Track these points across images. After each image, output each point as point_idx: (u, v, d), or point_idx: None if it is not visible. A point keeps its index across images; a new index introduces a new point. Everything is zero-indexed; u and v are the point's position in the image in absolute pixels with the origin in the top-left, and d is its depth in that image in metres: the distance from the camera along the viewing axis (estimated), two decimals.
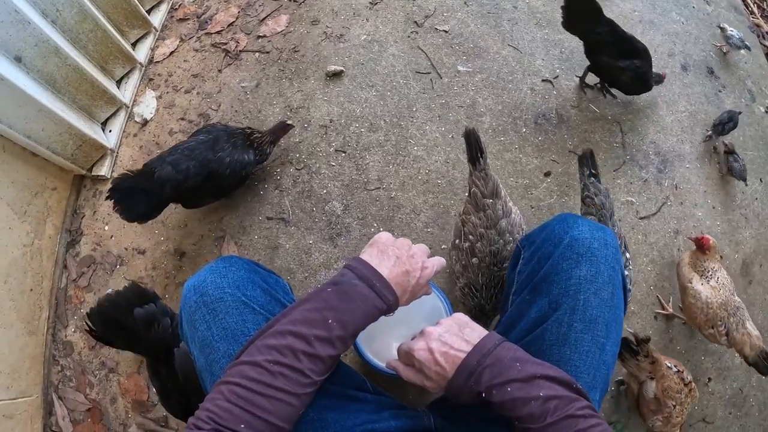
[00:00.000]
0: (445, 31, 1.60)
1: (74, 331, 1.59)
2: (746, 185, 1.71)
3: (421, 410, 0.93)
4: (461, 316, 0.85)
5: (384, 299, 0.77)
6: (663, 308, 1.50)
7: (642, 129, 1.61)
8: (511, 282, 0.99)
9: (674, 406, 1.27)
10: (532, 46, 1.62)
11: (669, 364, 1.28)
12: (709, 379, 1.59)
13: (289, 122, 1.41)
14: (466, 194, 1.20)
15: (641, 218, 1.52)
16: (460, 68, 1.55)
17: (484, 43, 1.60)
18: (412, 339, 0.84)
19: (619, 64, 1.47)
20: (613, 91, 1.61)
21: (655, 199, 1.55)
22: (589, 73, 1.57)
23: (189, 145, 1.29)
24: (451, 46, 1.58)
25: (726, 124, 1.58)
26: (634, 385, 1.34)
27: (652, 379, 1.29)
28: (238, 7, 1.76)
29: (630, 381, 1.36)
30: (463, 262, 1.18)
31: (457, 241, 1.20)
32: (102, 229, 1.63)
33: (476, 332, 0.80)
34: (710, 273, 1.36)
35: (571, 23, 1.45)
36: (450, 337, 0.78)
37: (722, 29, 1.78)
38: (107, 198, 1.24)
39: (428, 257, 0.88)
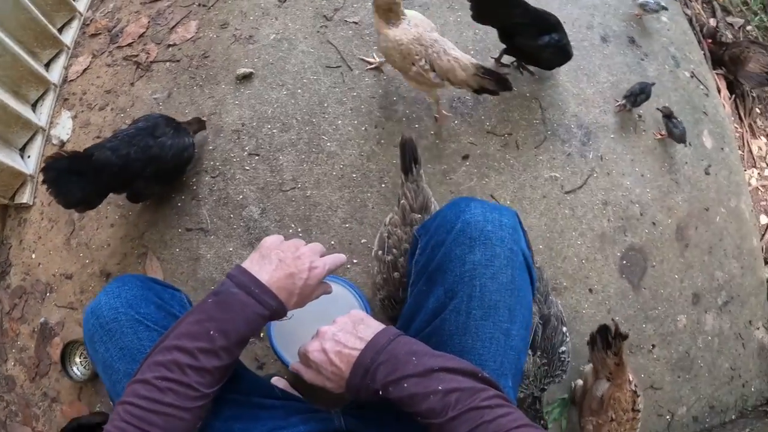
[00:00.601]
0: (355, 23, 1.58)
1: (14, 365, 1.56)
2: (686, 146, 1.71)
3: (334, 412, 0.91)
4: (357, 313, 0.83)
5: (265, 305, 0.76)
6: None
7: (562, 103, 1.59)
8: (409, 273, 0.97)
9: (612, 420, 1.23)
10: (445, 29, 1.60)
11: (631, 378, 1.24)
12: (653, 346, 1.59)
13: (203, 118, 1.41)
14: (396, 205, 1.17)
15: (566, 192, 1.51)
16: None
17: None
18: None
19: (539, 43, 1.44)
20: (531, 67, 1.59)
21: (581, 172, 1.54)
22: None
23: (129, 132, 1.26)
24: (361, 37, 1.56)
25: (638, 95, 1.57)
26: (590, 378, 1.31)
27: (608, 380, 1.25)
28: (148, 17, 1.72)
29: (587, 375, 1.34)
30: (384, 275, 1.15)
31: (380, 252, 1.16)
32: (29, 257, 1.60)
33: (371, 328, 0.78)
34: (399, 21, 1.27)
35: (482, 14, 1.41)
36: (344, 335, 0.77)
37: None
38: (42, 182, 1.17)
39: (322, 256, 0.86)
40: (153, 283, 0.92)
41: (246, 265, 0.79)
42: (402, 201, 1.13)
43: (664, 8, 1.74)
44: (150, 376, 0.68)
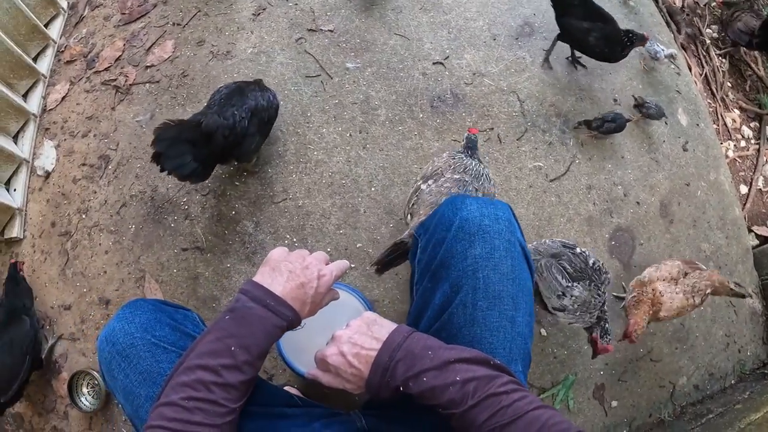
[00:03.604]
0: (331, 31, 1.59)
1: (20, 402, 1.55)
2: (665, 124, 1.75)
3: (354, 414, 0.93)
4: (370, 315, 0.86)
5: (282, 316, 0.78)
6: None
7: (540, 94, 1.62)
8: (413, 272, 1.00)
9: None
10: (419, 31, 1.62)
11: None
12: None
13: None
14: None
15: (551, 181, 1.54)
16: (348, 65, 1.55)
17: (370, 36, 1.59)
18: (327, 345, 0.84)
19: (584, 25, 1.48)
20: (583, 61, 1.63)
21: (563, 160, 1.58)
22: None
23: (220, 97, 1.23)
24: (338, 45, 1.57)
25: (607, 122, 1.54)
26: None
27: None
28: (123, 39, 1.72)
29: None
30: None
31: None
32: None
33: (385, 328, 0.81)
34: None
35: None
36: (360, 337, 0.80)
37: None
38: (153, 155, 1.09)
39: (326, 263, 0.88)
40: (164, 305, 0.93)
41: (258, 279, 0.81)
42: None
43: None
44: (176, 397, 0.69)
